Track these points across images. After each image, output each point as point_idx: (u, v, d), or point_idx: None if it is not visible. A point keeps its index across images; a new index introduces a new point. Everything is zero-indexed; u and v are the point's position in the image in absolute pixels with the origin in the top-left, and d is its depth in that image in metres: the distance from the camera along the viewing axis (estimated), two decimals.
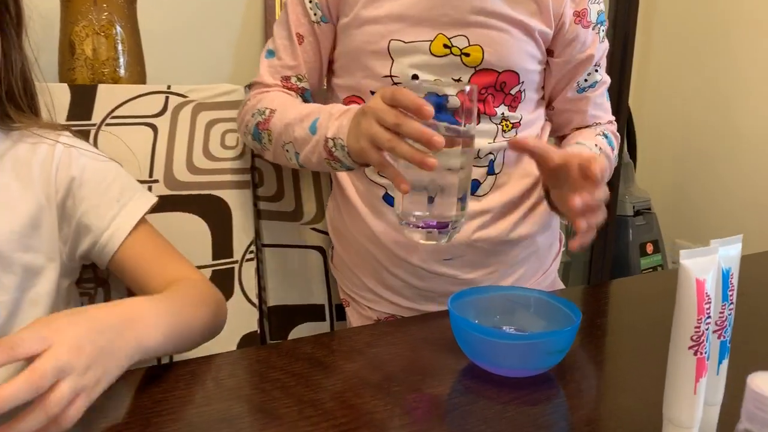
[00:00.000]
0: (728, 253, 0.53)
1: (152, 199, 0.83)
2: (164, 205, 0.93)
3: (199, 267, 0.95)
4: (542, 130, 1.00)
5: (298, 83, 0.97)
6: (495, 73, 0.89)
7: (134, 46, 1.23)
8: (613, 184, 1.05)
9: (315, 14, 0.93)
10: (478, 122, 0.90)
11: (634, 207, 2.17)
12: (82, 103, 0.97)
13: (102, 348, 0.56)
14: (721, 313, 0.53)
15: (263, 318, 1.08)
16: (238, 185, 1.05)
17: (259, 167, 1.08)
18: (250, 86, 1.01)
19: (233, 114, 1.05)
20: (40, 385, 0.49)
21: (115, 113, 0.98)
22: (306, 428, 0.58)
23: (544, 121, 1.02)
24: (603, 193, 0.78)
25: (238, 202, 1.04)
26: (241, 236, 1.04)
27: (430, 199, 0.73)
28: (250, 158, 1.07)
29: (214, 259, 1.01)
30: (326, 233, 1.09)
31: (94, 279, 0.94)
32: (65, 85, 0.98)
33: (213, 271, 1.00)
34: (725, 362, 0.55)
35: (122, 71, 1.21)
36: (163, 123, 1.01)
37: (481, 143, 0.90)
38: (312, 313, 1.11)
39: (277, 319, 1.09)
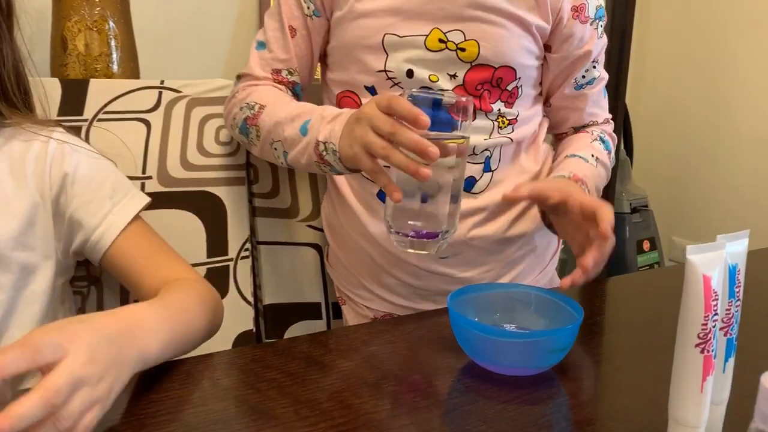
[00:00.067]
0: (734, 248, 0.52)
1: (145, 199, 0.82)
2: (158, 201, 0.92)
3: (194, 265, 0.94)
4: (540, 127, 0.99)
5: (289, 77, 0.96)
6: (491, 69, 0.88)
7: (127, 42, 1.21)
8: (609, 181, 1.04)
9: (308, 7, 0.92)
10: (474, 118, 0.89)
11: (630, 204, 2.17)
12: (73, 99, 0.96)
13: (113, 358, 0.55)
14: (727, 310, 0.52)
15: (259, 317, 1.07)
16: (232, 182, 1.03)
17: (255, 163, 1.07)
18: (238, 77, 0.99)
19: None
20: (55, 402, 0.48)
21: (107, 108, 0.97)
22: (303, 429, 0.57)
23: (542, 117, 1.00)
24: (611, 243, 0.78)
25: (232, 199, 1.03)
26: (236, 234, 1.03)
27: (421, 208, 0.73)
28: (245, 154, 1.05)
29: (208, 257, 0.99)
30: (322, 230, 1.08)
31: (87, 278, 0.93)
32: (56, 79, 0.96)
33: (207, 269, 0.99)
34: (731, 360, 0.54)
35: (115, 67, 1.20)
36: (156, 118, 1.00)
37: (476, 140, 0.89)
38: (308, 311, 1.10)
39: (273, 317, 1.08)
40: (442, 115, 0.71)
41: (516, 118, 0.93)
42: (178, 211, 0.98)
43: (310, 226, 1.11)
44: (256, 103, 0.91)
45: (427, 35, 0.86)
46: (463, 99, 0.72)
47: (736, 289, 0.52)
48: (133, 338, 0.58)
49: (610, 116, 1.06)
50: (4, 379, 0.46)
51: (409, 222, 0.73)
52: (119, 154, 0.93)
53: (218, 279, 0.99)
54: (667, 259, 2.31)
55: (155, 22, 1.36)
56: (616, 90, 1.93)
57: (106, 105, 0.97)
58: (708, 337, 0.49)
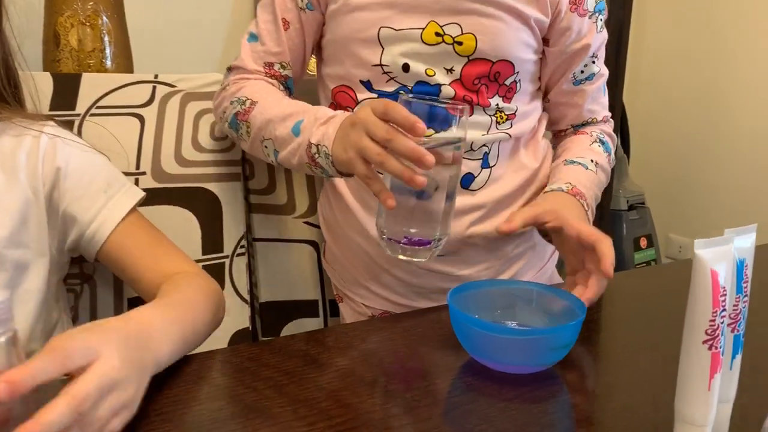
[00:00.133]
0: (742, 243, 0.51)
1: (140, 193, 0.81)
2: (152, 198, 0.91)
3: None
4: (539, 122, 0.98)
5: (281, 71, 0.95)
6: (489, 63, 0.87)
7: (121, 37, 1.20)
8: None
9: (302, 0, 0.90)
10: (471, 113, 0.88)
11: (627, 201, 2.17)
12: (65, 93, 0.94)
13: (138, 361, 0.54)
14: (735, 305, 0.51)
15: (255, 314, 1.06)
16: (228, 178, 1.02)
17: (250, 159, 1.06)
18: (229, 69, 0.98)
19: None
20: (83, 409, 0.47)
21: (100, 103, 0.96)
22: (301, 428, 0.56)
23: (541, 113, 0.99)
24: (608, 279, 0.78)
25: (228, 195, 1.02)
26: (232, 230, 1.02)
27: (414, 216, 0.72)
28: (240, 150, 1.04)
29: (203, 254, 0.98)
30: (319, 227, 1.07)
31: (80, 275, 0.91)
32: (48, 74, 0.95)
33: (203, 266, 0.98)
34: (738, 357, 0.53)
35: (109, 63, 1.19)
36: (150, 113, 0.99)
37: (474, 135, 0.88)
38: (305, 309, 1.09)
39: (269, 315, 1.07)
40: (437, 121, 0.71)
41: (514, 114, 0.92)
42: (173, 207, 0.97)
43: (306, 222, 1.10)
44: (248, 99, 0.89)
45: (424, 28, 0.85)
46: (459, 106, 0.71)
47: (744, 285, 0.51)
48: (149, 341, 0.58)
49: (609, 114, 1.05)
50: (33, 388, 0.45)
51: (402, 229, 0.73)
52: (112, 150, 0.92)
53: (214, 276, 0.96)
54: (663, 257, 2.31)
55: (149, 17, 1.35)
56: (613, 87, 1.92)
57: (99, 99, 0.96)
58: (716, 334, 0.48)
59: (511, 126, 0.92)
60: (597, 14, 0.93)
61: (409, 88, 0.87)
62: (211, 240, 0.99)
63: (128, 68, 1.22)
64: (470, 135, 0.88)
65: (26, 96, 0.79)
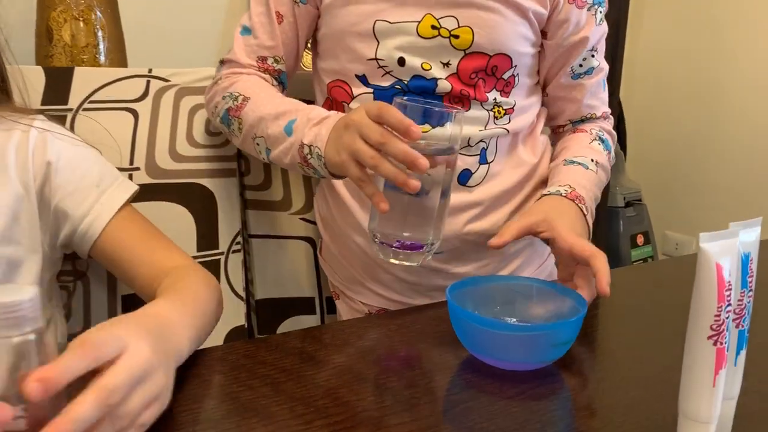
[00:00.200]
0: (747, 237, 0.50)
1: (133, 187, 0.80)
2: (146, 193, 0.90)
3: None
4: (537, 118, 0.97)
5: (274, 65, 0.94)
6: (486, 57, 0.86)
7: (114, 32, 1.19)
8: None
9: None
10: (468, 108, 0.87)
11: (624, 198, 2.17)
12: (57, 87, 0.93)
13: (165, 353, 0.54)
14: (739, 300, 0.50)
15: (251, 312, 1.05)
16: (223, 173, 1.01)
17: (246, 154, 1.05)
18: (222, 62, 0.96)
19: None
20: (112, 402, 0.46)
21: (93, 97, 0.95)
22: (298, 427, 0.55)
23: (540, 107, 0.98)
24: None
25: (223, 191, 1.01)
26: (227, 227, 1.01)
27: (407, 219, 0.72)
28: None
29: (198, 250, 0.97)
30: (315, 224, 1.06)
31: (73, 272, 0.90)
32: (39, 68, 0.94)
33: (198, 263, 0.96)
34: (743, 353, 0.53)
35: (102, 58, 1.17)
36: (144, 108, 0.98)
37: (471, 131, 0.87)
38: (301, 306, 1.09)
39: (265, 312, 1.06)
40: (431, 124, 0.70)
41: (513, 108, 0.90)
42: (167, 203, 0.96)
43: (303, 218, 1.09)
44: (240, 94, 0.88)
45: (419, 21, 0.84)
46: (454, 109, 0.71)
47: (749, 279, 0.51)
48: (170, 334, 0.58)
49: (609, 111, 1.04)
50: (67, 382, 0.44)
51: (395, 232, 0.72)
52: (106, 145, 0.91)
53: None
54: (660, 254, 2.31)
55: (143, 12, 1.34)
56: (610, 84, 1.91)
57: (92, 94, 0.95)
58: (721, 329, 0.47)
59: (509, 121, 0.91)
60: (596, 6, 0.92)
61: (405, 82, 0.86)
62: (206, 236, 0.98)
63: (122, 63, 1.20)
64: (467, 130, 0.87)
65: (14, 90, 0.78)
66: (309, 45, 0.98)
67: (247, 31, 0.93)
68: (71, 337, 0.86)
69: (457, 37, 0.84)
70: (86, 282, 0.91)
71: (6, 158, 0.73)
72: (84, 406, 0.43)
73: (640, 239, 2.19)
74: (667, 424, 0.54)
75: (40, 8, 1.14)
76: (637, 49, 2.36)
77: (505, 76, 0.88)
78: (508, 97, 0.90)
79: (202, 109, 1.01)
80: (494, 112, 0.89)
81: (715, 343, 0.48)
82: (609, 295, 0.70)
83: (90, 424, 0.44)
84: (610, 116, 1.04)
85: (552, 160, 0.98)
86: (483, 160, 0.90)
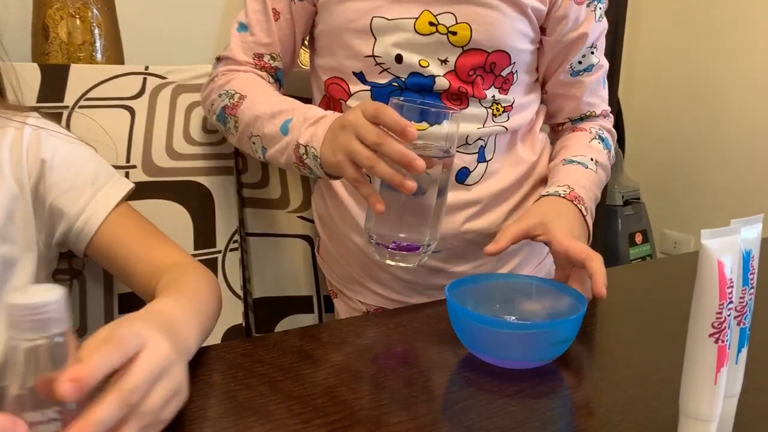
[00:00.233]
0: (748, 234, 0.50)
1: (129, 185, 0.80)
2: (143, 191, 0.90)
3: None
4: (537, 115, 0.97)
5: (271, 62, 0.93)
6: (484, 54, 0.85)
7: (111, 29, 1.18)
8: None
9: None
10: (467, 106, 0.86)
11: (623, 197, 2.17)
12: (53, 84, 0.93)
13: (179, 348, 0.54)
14: (741, 298, 0.50)
15: (248, 311, 1.05)
16: (220, 171, 1.01)
17: (243, 152, 1.04)
18: (218, 59, 0.96)
19: None
20: (133, 402, 0.46)
21: (89, 95, 0.94)
22: (295, 426, 0.54)
23: (539, 105, 0.98)
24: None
25: (220, 189, 1.00)
26: (224, 225, 1.00)
27: (403, 220, 0.72)
28: None
29: (195, 249, 0.97)
30: (313, 222, 1.05)
31: (69, 271, 0.90)
32: (35, 65, 0.93)
33: (196, 260, 0.96)
34: (744, 351, 0.52)
35: (99, 56, 1.17)
36: (140, 105, 0.97)
37: (469, 128, 0.87)
38: (299, 305, 1.08)
39: (263, 311, 1.06)
40: (428, 123, 0.70)
41: (511, 105, 0.90)
42: (164, 201, 0.95)
43: (300, 217, 1.08)
44: (236, 92, 0.88)
45: (417, 18, 0.83)
46: (451, 110, 0.71)
47: (750, 277, 0.50)
48: (178, 332, 0.57)
49: (609, 109, 1.03)
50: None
51: (391, 233, 0.72)
52: (102, 143, 0.90)
53: None
54: (659, 252, 2.31)
55: (140, 10, 1.33)
56: (609, 82, 1.91)
57: (88, 91, 0.94)
58: (723, 327, 0.47)
59: (508, 118, 0.90)
60: (596, 2, 0.91)
61: (403, 79, 0.85)
62: (204, 235, 0.98)
63: (119, 62, 1.20)
64: (466, 128, 0.86)
65: (7, 88, 0.77)
66: (306, 42, 0.97)
67: (243, 27, 0.93)
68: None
69: (455, 33, 0.84)
70: (82, 281, 0.91)
71: (0, 156, 0.72)
72: (105, 408, 0.43)
73: (638, 238, 2.18)
74: (666, 422, 0.54)
75: (36, 6, 1.14)
76: (637, 49, 2.36)
77: (504, 73, 0.88)
78: (506, 94, 0.89)
79: (199, 107, 1.00)
80: (493, 110, 0.89)
81: (716, 341, 0.47)
82: (605, 297, 0.69)
83: (113, 423, 0.44)
84: (610, 114, 1.04)
85: (551, 159, 0.98)
86: (481, 158, 0.89)
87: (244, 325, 1.00)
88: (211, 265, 0.98)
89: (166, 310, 0.60)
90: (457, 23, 0.83)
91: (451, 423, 0.56)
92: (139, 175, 0.94)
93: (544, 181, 0.96)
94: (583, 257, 0.73)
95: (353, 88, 0.88)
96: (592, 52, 0.95)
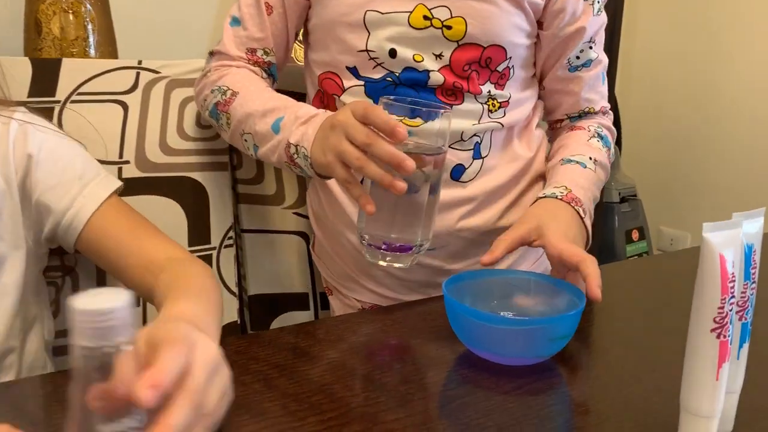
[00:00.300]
0: (750, 228, 0.49)
1: (117, 183, 0.78)
2: (136, 187, 0.89)
3: None
4: (533, 111, 0.96)
5: (264, 57, 0.92)
6: (479, 48, 0.84)
7: (105, 24, 1.17)
8: None
9: None
10: (462, 101, 0.85)
11: (619, 194, 2.16)
12: (44, 79, 0.91)
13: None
14: (743, 292, 0.49)
15: (243, 307, 1.04)
16: (215, 167, 1.00)
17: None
18: (211, 54, 0.95)
19: None
20: (201, 402, 0.45)
21: (81, 89, 0.93)
22: (291, 424, 0.54)
23: (536, 101, 0.97)
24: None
25: (215, 185, 0.99)
26: (219, 221, 0.99)
27: (395, 221, 0.71)
28: None
29: (190, 245, 0.96)
30: (309, 218, 1.05)
31: (61, 267, 0.89)
32: (26, 59, 0.92)
33: (191, 253, 0.95)
34: (746, 346, 0.52)
35: (92, 51, 1.15)
36: (133, 100, 0.96)
37: (464, 124, 0.86)
38: (295, 301, 1.07)
39: (258, 308, 1.05)
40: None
41: (507, 101, 0.89)
42: (158, 197, 0.94)
43: (296, 213, 1.08)
44: (228, 89, 0.87)
45: (411, 12, 0.82)
46: (441, 109, 0.70)
47: (752, 271, 0.50)
48: (207, 333, 0.56)
49: (608, 106, 1.01)
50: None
51: (382, 234, 0.71)
52: (94, 138, 0.89)
53: None
54: (655, 249, 2.31)
55: (134, 4, 1.32)
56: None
57: (80, 86, 0.93)
58: (725, 322, 0.46)
59: (504, 114, 0.89)
60: None
61: (397, 74, 0.84)
62: (198, 231, 0.97)
63: (113, 57, 1.19)
64: (461, 124, 0.85)
65: None
66: (301, 37, 0.96)
67: (236, 22, 0.92)
68: (58, 334, 0.84)
69: (449, 27, 0.83)
70: (75, 277, 0.90)
71: None
72: (180, 410, 0.42)
73: (635, 235, 2.18)
74: (665, 418, 0.53)
75: (28, 1, 1.12)
76: (634, 49, 2.36)
77: (500, 68, 0.87)
78: (502, 89, 0.88)
79: (192, 102, 1.00)
80: (488, 106, 0.88)
81: (718, 336, 0.46)
82: (600, 300, 0.68)
83: (187, 425, 0.43)
84: (610, 111, 1.02)
85: (549, 158, 0.97)
86: (477, 155, 0.88)
87: (239, 322, 0.99)
88: (205, 261, 0.96)
89: (186, 312, 0.59)
90: (452, 17, 0.82)
91: (448, 420, 0.55)
92: (133, 171, 0.93)
93: (540, 177, 0.95)
94: (577, 260, 0.72)
95: (347, 83, 0.87)
96: (591, 47, 0.94)
